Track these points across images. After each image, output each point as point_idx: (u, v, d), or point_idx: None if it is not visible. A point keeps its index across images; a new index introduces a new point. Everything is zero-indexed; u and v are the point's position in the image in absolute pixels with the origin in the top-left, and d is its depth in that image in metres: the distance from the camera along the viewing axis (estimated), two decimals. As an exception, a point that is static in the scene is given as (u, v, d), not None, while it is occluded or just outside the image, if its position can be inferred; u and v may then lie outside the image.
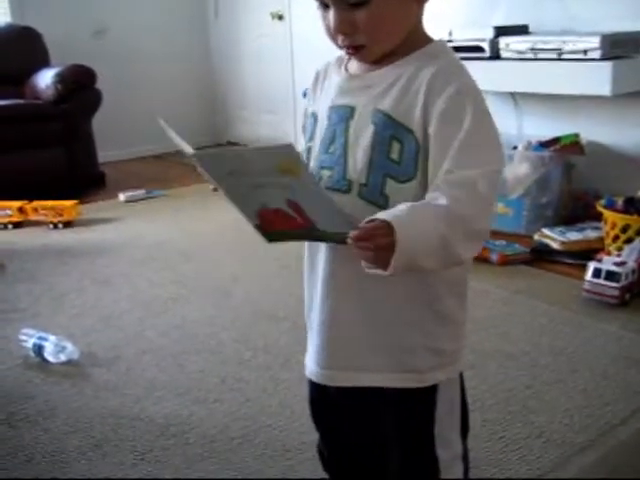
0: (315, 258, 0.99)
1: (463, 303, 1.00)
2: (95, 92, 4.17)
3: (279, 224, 0.87)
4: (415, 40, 0.93)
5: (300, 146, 1.04)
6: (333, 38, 0.92)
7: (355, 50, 0.92)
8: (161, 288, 2.56)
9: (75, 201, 3.51)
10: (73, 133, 4.07)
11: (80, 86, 4.06)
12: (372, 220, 0.79)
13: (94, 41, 4.92)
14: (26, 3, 4.71)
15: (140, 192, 3.96)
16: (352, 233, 0.78)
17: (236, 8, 5.26)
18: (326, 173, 0.94)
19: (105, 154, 4.53)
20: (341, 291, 0.96)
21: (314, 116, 1.00)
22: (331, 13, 0.89)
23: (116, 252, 3.02)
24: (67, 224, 3.43)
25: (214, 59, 5.61)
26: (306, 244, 1.02)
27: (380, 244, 0.77)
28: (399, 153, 0.88)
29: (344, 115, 0.94)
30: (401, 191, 0.88)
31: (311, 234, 0.87)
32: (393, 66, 0.92)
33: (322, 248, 0.97)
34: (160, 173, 4.67)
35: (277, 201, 0.84)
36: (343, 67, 0.99)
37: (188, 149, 0.83)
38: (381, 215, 0.79)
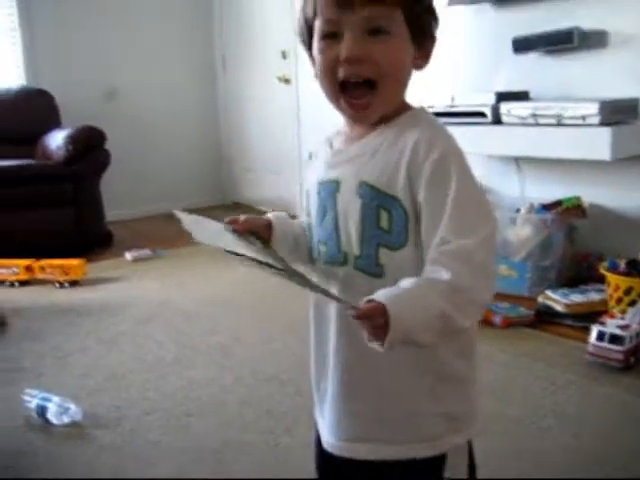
0: (323, 330, 1.01)
1: (472, 363, 1.00)
2: (104, 153, 4.26)
3: None
4: (395, 110, 0.95)
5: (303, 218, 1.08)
6: (333, 72, 0.91)
7: (360, 93, 0.91)
8: (165, 348, 2.57)
9: (82, 260, 3.54)
10: (82, 193, 4.14)
11: (90, 147, 4.15)
12: (371, 300, 0.80)
13: (105, 103, 5.05)
14: (40, 66, 4.85)
15: (146, 252, 4.00)
16: (353, 312, 0.80)
17: (243, 72, 5.40)
18: (322, 248, 0.98)
19: (113, 213, 4.59)
20: (351, 364, 0.97)
21: (307, 193, 1.04)
22: (343, 41, 0.89)
23: (122, 312, 3.03)
24: (73, 283, 3.46)
25: (221, 121, 5.73)
26: (312, 316, 1.04)
27: (377, 324, 0.79)
28: (388, 222, 0.90)
29: (331, 190, 0.96)
30: (395, 259, 0.90)
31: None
32: (374, 134, 0.94)
33: (331, 320, 0.98)
34: (166, 232, 4.70)
35: None
36: (328, 143, 1.03)
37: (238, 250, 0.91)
38: (379, 296, 0.81)
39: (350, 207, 0.93)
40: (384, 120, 0.94)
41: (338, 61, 0.90)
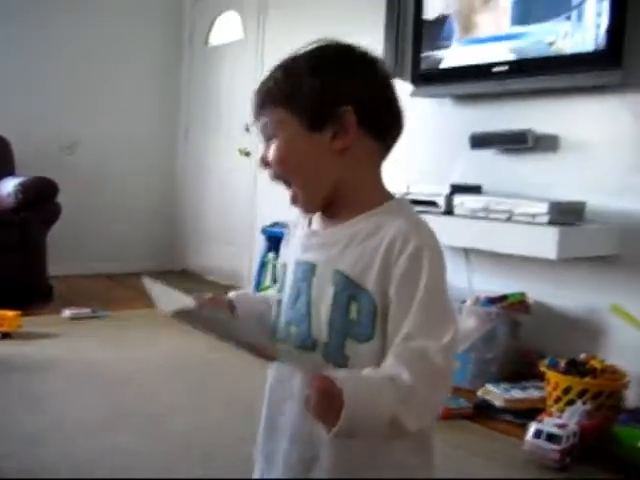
0: (277, 418, 0.99)
1: (428, 461, 0.97)
2: (55, 205, 4.19)
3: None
4: (368, 198, 0.96)
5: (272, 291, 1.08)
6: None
7: (288, 187, 0.98)
8: (94, 411, 2.45)
9: (18, 312, 3.41)
10: (27, 243, 4.04)
11: (41, 198, 4.08)
12: (332, 381, 0.79)
13: (62, 156, 5.02)
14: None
15: (86, 310, 3.87)
16: (312, 383, 0.79)
17: (205, 141, 5.45)
18: (293, 329, 0.96)
19: (56, 267, 4.45)
20: (306, 454, 0.95)
21: (284, 267, 1.03)
22: None
23: (53, 369, 2.91)
24: (5, 335, 3.31)
25: (178, 187, 5.72)
26: (267, 401, 1.03)
27: (332, 406, 0.78)
28: (357, 313, 0.90)
29: (307, 272, 0.96)
30: (361, 351, 0.89)
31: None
32: (348, 224, 0.95)
33: (290, 403, 0.96)
34: (109, 293, 4.61)
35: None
36: (307, 220, 1.03)
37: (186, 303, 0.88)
38: (344, 387, 0.79)
39: (323, 293, 0.93)
40: (357, 210, 0.95)
41: None
